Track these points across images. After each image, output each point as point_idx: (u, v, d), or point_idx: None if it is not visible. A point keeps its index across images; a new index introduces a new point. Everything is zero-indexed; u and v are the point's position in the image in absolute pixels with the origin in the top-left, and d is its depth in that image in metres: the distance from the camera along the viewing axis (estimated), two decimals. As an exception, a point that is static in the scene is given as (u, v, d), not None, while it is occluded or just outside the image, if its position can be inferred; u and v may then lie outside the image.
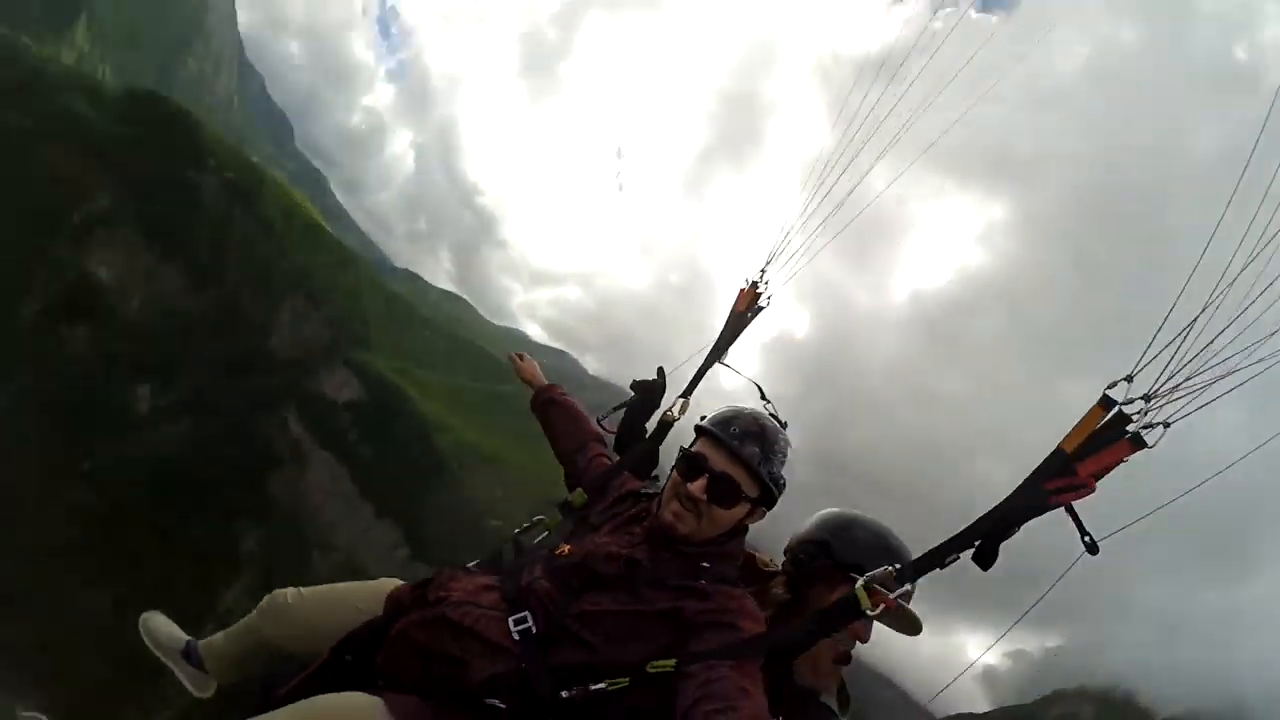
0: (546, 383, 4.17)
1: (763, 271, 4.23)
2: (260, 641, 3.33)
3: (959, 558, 2.58)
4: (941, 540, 2.63)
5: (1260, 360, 2.37)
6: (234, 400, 75.34)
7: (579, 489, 3.43)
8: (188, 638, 3.59)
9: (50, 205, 76.15)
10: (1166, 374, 2.37)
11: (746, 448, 2.84)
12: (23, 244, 68.25)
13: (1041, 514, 2.47)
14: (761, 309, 4.24)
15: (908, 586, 2.63)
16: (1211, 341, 2.36)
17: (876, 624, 2.93)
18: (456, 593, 2.81)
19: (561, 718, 2.54)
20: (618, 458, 3.74)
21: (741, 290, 4.28)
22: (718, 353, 4.15)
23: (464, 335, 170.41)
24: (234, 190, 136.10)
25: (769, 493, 2.89)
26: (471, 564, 3.14)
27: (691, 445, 2.99)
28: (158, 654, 3.56)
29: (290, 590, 3.33)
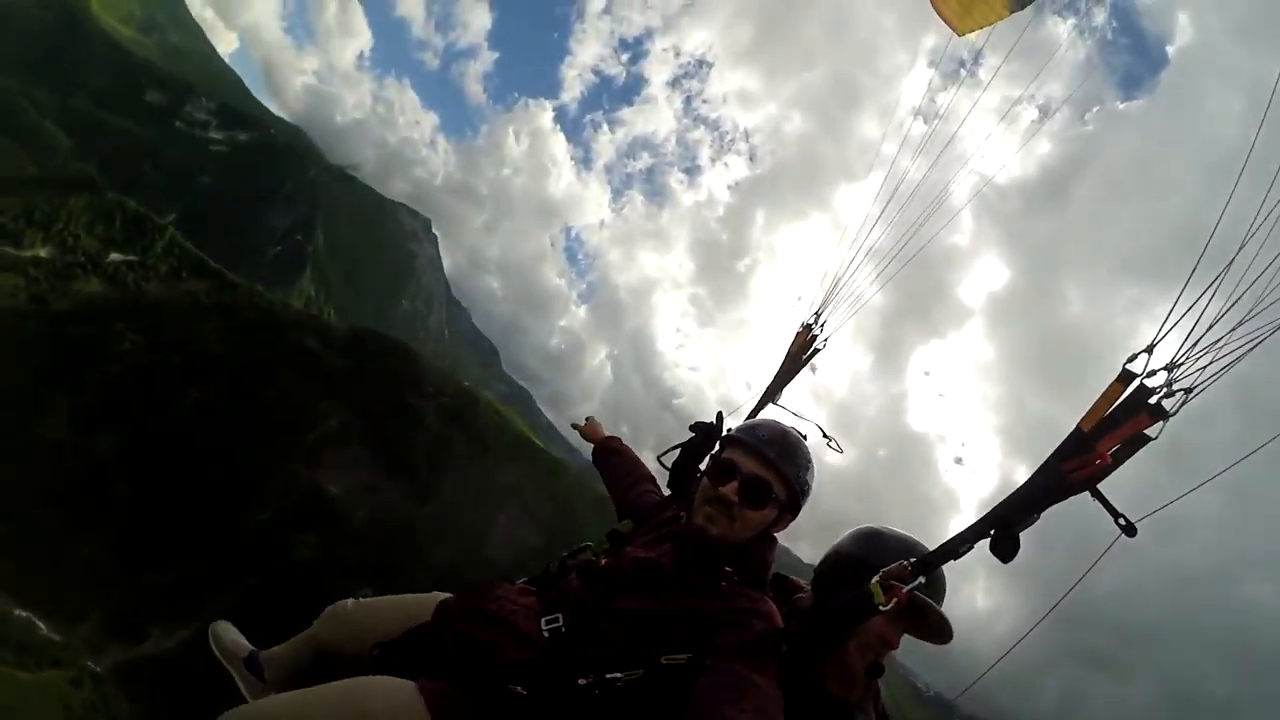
0: (605, 435, 4.50)
1: (817, 315, 4.46)
2: (316, 645, 3.41)
3: (973, 548, 2.58)
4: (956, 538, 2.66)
5: (1274, 321, 2.39)
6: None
7: (626, 519, 3.64)
8: (251, 647, 3.66)
9: (285, 427, 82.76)
10: (1188, 343, 2.39)
11: (774, 452, 3.02)
12: (259, 459, 73.66)
13: (1062, 497, 2.43)
14: (817, 350, 4.50)
15: (921, 580, 2.63)
16: (1232, 306, 2.40)
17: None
18: (500, 592, 3.03)
19: (579, 707, 2.64)
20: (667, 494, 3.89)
21: (797, 333, 4.51)
22: (772, 394, 4.40)
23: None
24: (450, 412, 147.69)
25: (795, 497, 3.07)
26: (521, 580, 3.27)
27: (720, 453, 3.18)
28: (222, 660, 3.64)
29: (350, 600, 3.44)
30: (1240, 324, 2.37)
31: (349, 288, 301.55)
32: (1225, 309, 2.38)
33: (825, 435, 3.86)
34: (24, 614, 66.93)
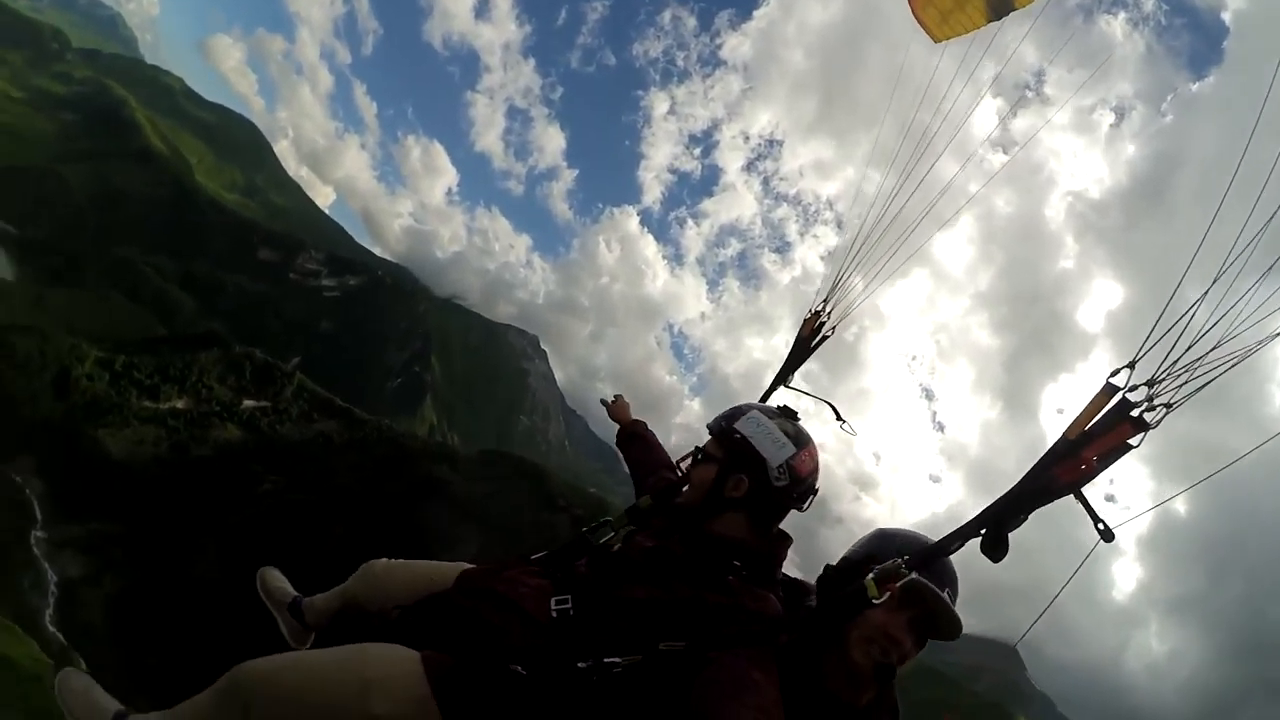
0: (632, 419, 4.68)
1: (825, 301, 4.52)
2: (348, 599, 3.57)
3: (963, 545, 2.62)
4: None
5: (1260, 341, 2.54)
6: None
7: (645, 496, 3.73)
8: (295, 593, 3.87)
9: (426, 554, 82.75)
10: (1169, 360, 2.51)
11: (719, 421, 3.22)
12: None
13: (1048, 499, 2.51)
14: (827, 337, 4.52)
15: (913, 575, 2.63)
16: (1214, 325, 2.52)
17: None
18: (512, 572, 3.15)
19: (576, 690, 2.67)
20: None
21: (805, 320, 4.57)
22: (783, 378, 4.41)
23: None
24: (583, 524, 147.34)
25: (730, 447, 3.12)
26: (537, 555, 3.38)
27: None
28: (268, 604, 3.90)
29: (384, 559, 3.57)
30: (1220, 344, 2.49)
31: (468, 411, 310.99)
32: (1207, 327, 2.52)
33: (838, 416, 3.96)
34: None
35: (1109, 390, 2.49)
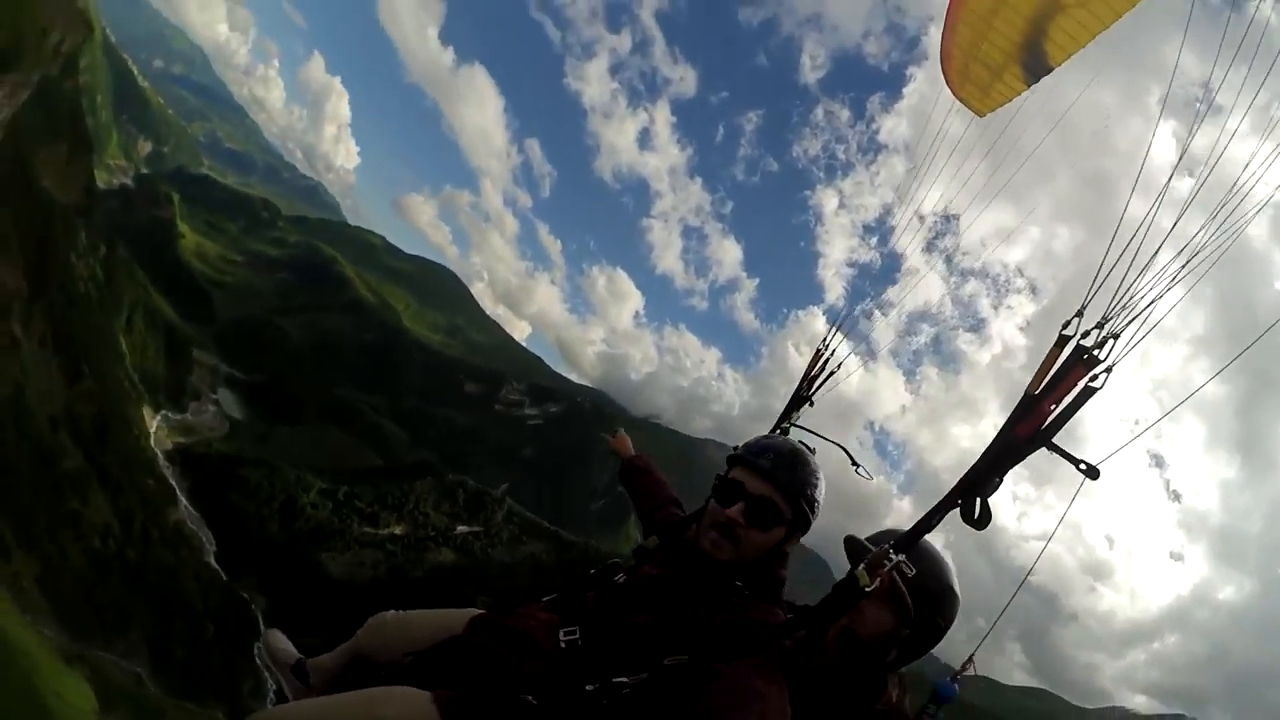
0: (633, 454, 4.60)
1: (828, 337, 4.64)
2: (357, 653, 3.51)
3: (942, 519, 2.63)
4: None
5: (1194, 271, 2.67)
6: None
7: (653, 536, 3.68)
8: (298, 655, 3.78)
9: None
10: (1117, 296, 2.60)
11: (781, 471, 3.01)
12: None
13: (1018, 457, 2.54)
14: (832, 373, 4.54)
15: (902, 557, 2.63)
16: (1153, 256, 2.64)
17: None
18: (523, 610, 3.15)
19: (588, 713, 2.67)
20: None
21: (814, 355, 4.65)
22: (787, 416, 4.39)
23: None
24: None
25: (804, 515, 3.05)
26: (546, 599, 3.34)
27: (727, 473, 3.15)
28: (273, 666, 3.80)
29: (391, 611, 3.55)
30: (1166, 272, 2.60)
31: None
32: (1148, 260, 2.61)
33: (853, 461, 3.89)
34: None
35: (1062, 341, 2.54)
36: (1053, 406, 2.47)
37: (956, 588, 3.11)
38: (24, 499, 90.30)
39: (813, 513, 3.05)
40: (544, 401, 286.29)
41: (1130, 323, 2.51)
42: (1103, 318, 2.53)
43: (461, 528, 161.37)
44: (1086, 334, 2.51)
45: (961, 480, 2.54)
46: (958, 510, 2.55)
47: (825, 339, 4.63)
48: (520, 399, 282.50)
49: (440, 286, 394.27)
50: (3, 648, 41.05)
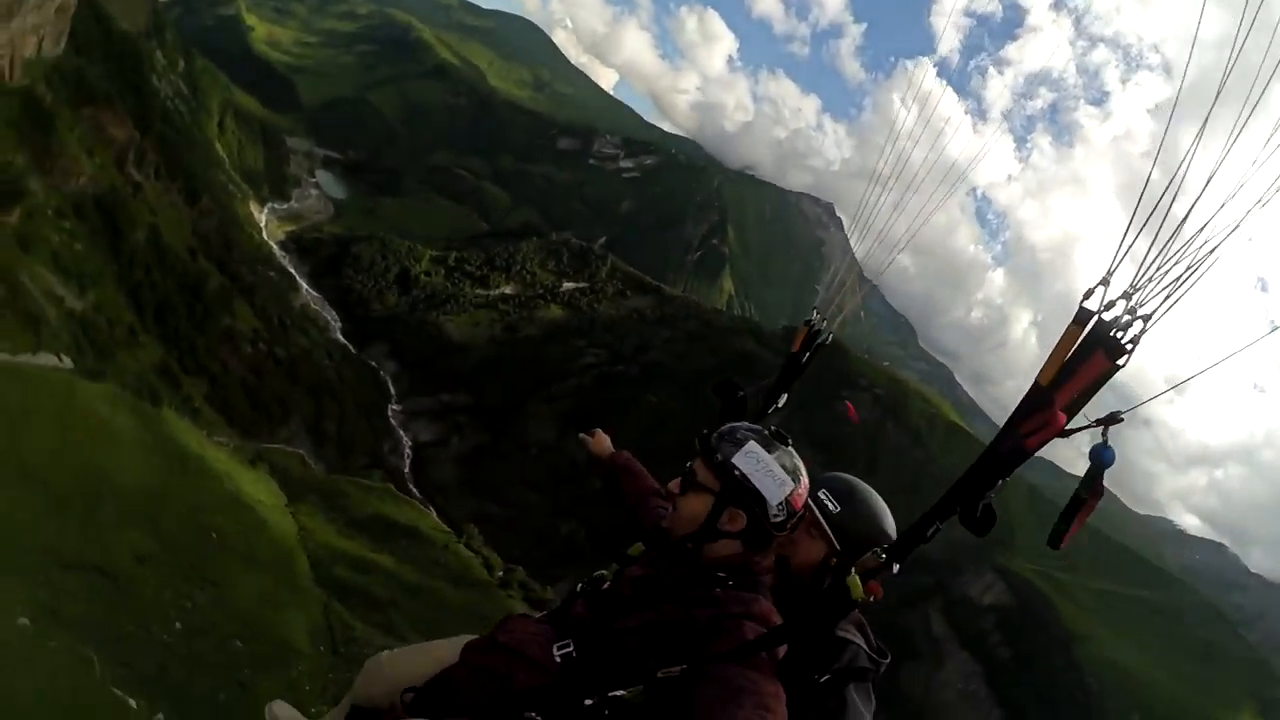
0: (613, 451, 4.36)
1: (815, 310, 4.30)
2: (357, 702, 3.49)
3: (940, 528, 2.46)
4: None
5: (1232, 234, 2.11)
6: (885, 595, 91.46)
7: (637, 543, 3.60)
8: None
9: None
10: (1146, 263, 2.15)
11: (708, 444, 2.96)
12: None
13: (1020, 461, 2.28)
14: (823, 345, 4.27)
15: (896, 568, 2.60)
16: (1185, 219, 2.14)
17: None
18: (512, 623, 3.15)
19: None
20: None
21: (799, 331, 4.28)
22: (773, 398, 4.16)
23: (1106, 531, 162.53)
24: (884, 404, 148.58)
25: (728, 483, 2.88)
26: (539, 614, 3.35)
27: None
28: None
29: (385, 652, 3.53)
30: (1195, 238, 2.09)
31: (764, 281, 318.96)
32: (1181, 222, 2.12)
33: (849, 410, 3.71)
34: (523, 572, 79.20)
35: (1082, 316, 2.16)
36: (1066, 407, 2.18)
37: (889, 527, 3.23)
38: (183, 329, 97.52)
39: (738, 480, 2.84)
40: (639, 154, 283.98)
41: (1166, 299, 2.09)
42: (1130, 286, 2.11)
43: (568, 284, 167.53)
44: (1111, 304, 2.11)
45: (958, 483, 2.36)
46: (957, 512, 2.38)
47: (814, 312, 4.33)
48: (614, 152, 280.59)
49: (522, 40, 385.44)
50: (202, 467, 43.71)
